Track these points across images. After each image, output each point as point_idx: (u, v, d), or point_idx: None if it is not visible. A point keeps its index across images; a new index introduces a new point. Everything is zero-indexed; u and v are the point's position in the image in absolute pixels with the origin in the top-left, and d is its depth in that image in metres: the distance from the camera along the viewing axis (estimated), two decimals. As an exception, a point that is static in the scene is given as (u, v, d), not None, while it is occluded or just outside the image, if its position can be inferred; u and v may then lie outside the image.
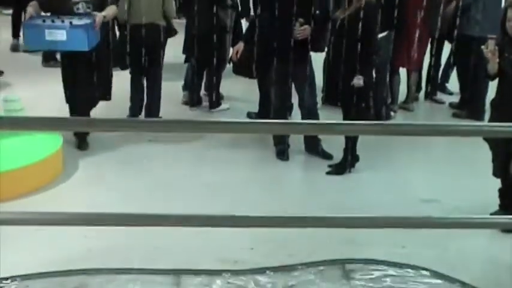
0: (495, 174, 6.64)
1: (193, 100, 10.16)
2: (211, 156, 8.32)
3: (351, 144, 7.94)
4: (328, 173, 8.06)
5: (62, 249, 6.05)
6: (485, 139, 6.48)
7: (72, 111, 8.21)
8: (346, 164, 8.04)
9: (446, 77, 11.14)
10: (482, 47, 6.39)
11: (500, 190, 6.70)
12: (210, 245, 6.18)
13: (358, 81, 7.57)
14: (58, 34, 7.65)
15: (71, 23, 7.68)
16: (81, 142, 8.39)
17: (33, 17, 7.84)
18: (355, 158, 8.06)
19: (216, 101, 10.11)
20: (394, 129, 3.59)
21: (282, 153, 8.49)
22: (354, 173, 8.05)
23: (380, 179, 7.93)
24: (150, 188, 7.40)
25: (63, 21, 7.70)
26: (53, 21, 7.74)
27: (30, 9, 7.90)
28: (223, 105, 10.19)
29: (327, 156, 8.39)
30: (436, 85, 11.01)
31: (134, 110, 9.15)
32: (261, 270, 5.94)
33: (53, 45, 7.96)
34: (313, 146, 8.50)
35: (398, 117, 9.89)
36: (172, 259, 6.04)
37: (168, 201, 6.91)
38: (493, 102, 6.81)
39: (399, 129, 3.60)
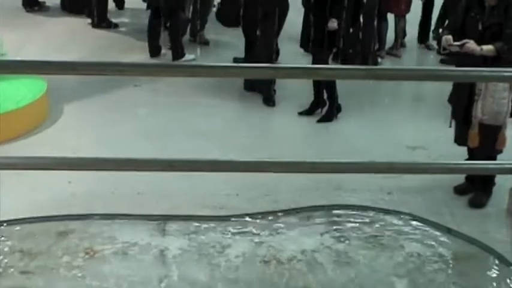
0: (456, 141, 6.43)
1: (152, 48, 9.86)
2: (198, 103, 8.29)
3: (329, 89, 8.02)
4: (318, 120, 8.06)
5: (46, 194, 6.05)
6: (451, 105, 6.38)
7: None
8: (333, 110, 8.06)
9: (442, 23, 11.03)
10: (445, 37, 6.08)
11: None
12: (195, 191, 6.19)
13: (333, 24, 7.71)
14: None
15: None
16: None
17: None
18: (331, 104, 8.10)
19: (180, 51, 9.84)
20: (380, 73, 3.53)
21: (269, 99, 8.48)
22: (341, 120, 8.05)
23: (365, 126, 7.93)
24: (136, 133, 7.38)
25: None
26: None
27: None
28: (188, 56, 9.93)
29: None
30: (428, 31, 10.93)
31: None
32: (247, 216, 5.97)
33: None
34: None
35: (386, 64, 9.86)
36: (158, 205, 6.05)
37: (153, 147, 6.90)
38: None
39: (385, 74, 3.55)
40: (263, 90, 8.52)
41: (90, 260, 5.34)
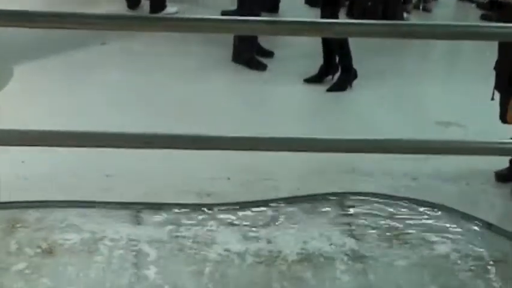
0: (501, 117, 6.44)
1: None
2: (180, 65, 8.29)
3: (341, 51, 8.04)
4: (329, 89, 8.07)
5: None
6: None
7: None
8: (347, 77, 8.08)
9: None
10: None
11: None
12: (176, 173, 6.21)
13: None
14: None
15: None
16: None
17: None
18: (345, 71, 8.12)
19: (161, 2, 9.80)
20: (405, 30, 3.46)
21: (251, 61, 8.53)
22: (356, 88, 8.07)
23: (386, 96, 7.94)
24: (103, 102, 7.38)
25: None
26: None
27: None
28: (169, 8, 9.89)
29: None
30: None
31: None
32: (240, 205, 5.98)
33: None
34: None
35: (413, 20, 9.88)
36: (130, 190, 6.07)
37: (125, 119, 6.90)
38: None
39: (412, 31, 3.47)
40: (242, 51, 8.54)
41: (47, 257, 5.35)
